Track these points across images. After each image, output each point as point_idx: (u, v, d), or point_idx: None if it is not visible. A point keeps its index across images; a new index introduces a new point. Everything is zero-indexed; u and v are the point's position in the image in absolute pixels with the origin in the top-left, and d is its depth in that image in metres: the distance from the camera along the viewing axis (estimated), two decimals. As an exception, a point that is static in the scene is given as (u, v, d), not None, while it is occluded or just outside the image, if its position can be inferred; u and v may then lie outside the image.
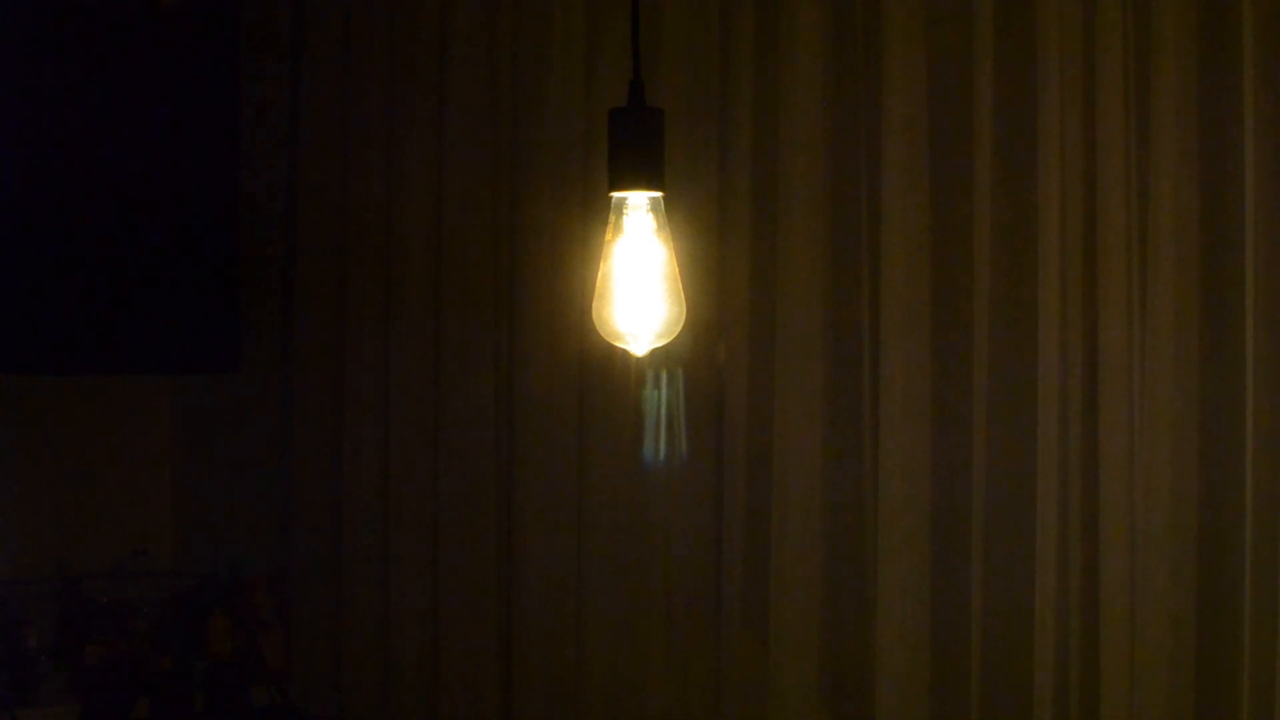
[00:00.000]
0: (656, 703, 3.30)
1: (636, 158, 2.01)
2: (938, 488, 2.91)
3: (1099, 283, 2.69)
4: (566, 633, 3.40)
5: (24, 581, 3.83)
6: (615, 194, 2.03)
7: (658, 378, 3.29)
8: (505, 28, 3.51)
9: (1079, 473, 2.72)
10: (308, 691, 3.89)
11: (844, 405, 3.04)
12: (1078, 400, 2.72)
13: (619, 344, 2.04)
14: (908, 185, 2.91)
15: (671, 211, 2.05)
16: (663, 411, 3.30)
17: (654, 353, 2.06)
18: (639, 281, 2.02)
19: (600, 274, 2.03)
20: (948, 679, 2.89)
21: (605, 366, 3.30)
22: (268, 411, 4.03)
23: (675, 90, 3.18)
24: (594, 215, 3.13)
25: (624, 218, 2.03)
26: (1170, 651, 2.61)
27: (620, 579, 3.34)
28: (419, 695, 3.65)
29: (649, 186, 2.02)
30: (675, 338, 2.05)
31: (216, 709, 3.81)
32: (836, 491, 3.05)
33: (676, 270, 2.03)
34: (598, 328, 2.04)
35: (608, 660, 3.36)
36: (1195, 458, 2.62)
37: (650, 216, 2.03)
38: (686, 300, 2.04)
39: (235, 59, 3.91)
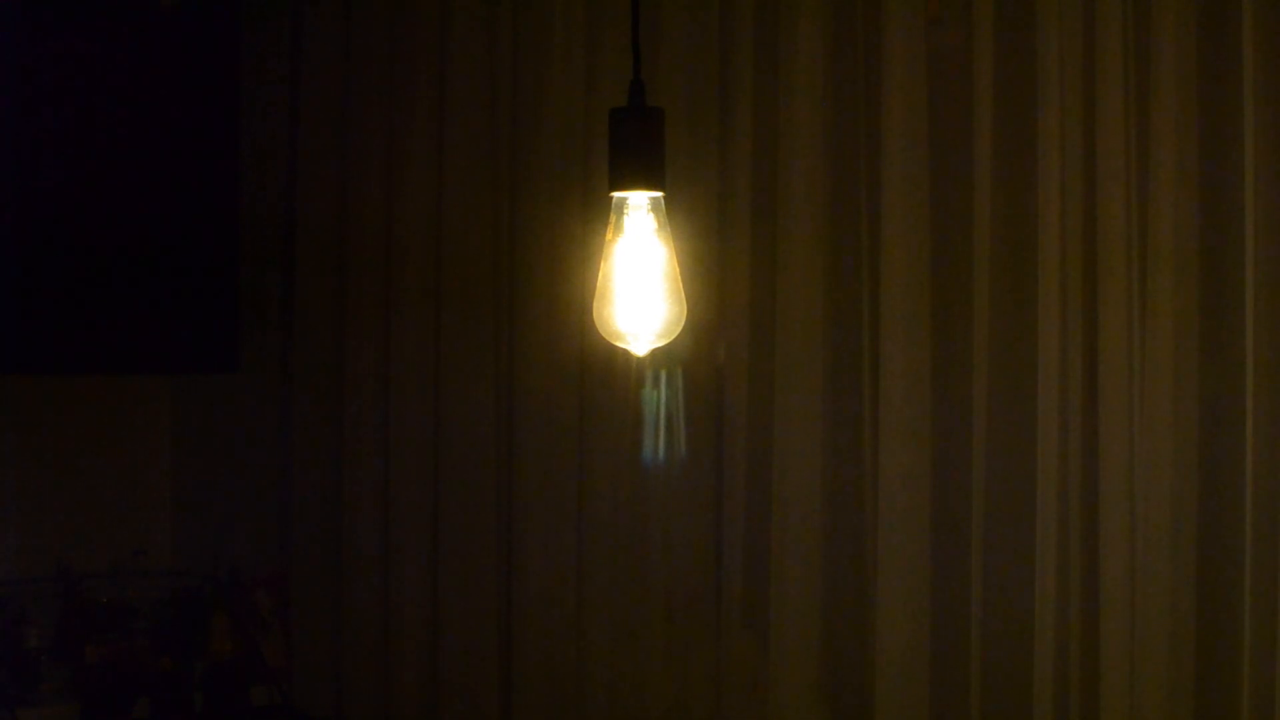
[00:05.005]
0: (656, 703, 3.30)
1: (636, 158, 2.01)
2: (938, 487, 2.91)
3: (1099, 283, 2.69)
4: (566, 633, 3.40)
5: (24, 581, 3.83)
6: (615, 194, 2.03)
7: (658, 378, 3.29)
8: (505, 28, 3.51)
9: (1079, 472, 2.72)
10: (308, 691, 3.89)
11: (844, 405, 3.05)
12: (1078, 399, 2.72)
13: (619, 344, 2.04)
14: (908, 185, 2.92)
15: (671, 211, 2.05)
16: (663, 411, 3.30)
17: (654, 353, 2.06)
18: (639, 281, 2.02)
19: (600, 274, 2.03)
20: (947, 679, 2.89)
21: (605, 366, 3.30)
22: (268, 411, 4.03)
23: (675, 90, 3.18)
24: (594, 215, 3.13)
25: (624, 218, 2.03)
26: (1170, 651, 2.61)
27: (620, 578, 3.34)
28: (419, 695, 3.65)
29: (649, 186, 2.02)
30: (675, 338, 2.05)
31: (216, 709, 3.81)
32: (836, 491, 3.05)
33: (677, 270, 2.03)
34: (598, 328, 2.04)
35: (608, 660, 3.36)
36: (1195, 457, 2.62)
37: (650, 216, 2.03)
38: (686, 300, 2.04)
39: (235, 59, 3.91)
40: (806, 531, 3.06)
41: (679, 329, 2.04)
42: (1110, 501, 2.67)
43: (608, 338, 2.04)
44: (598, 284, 2.03)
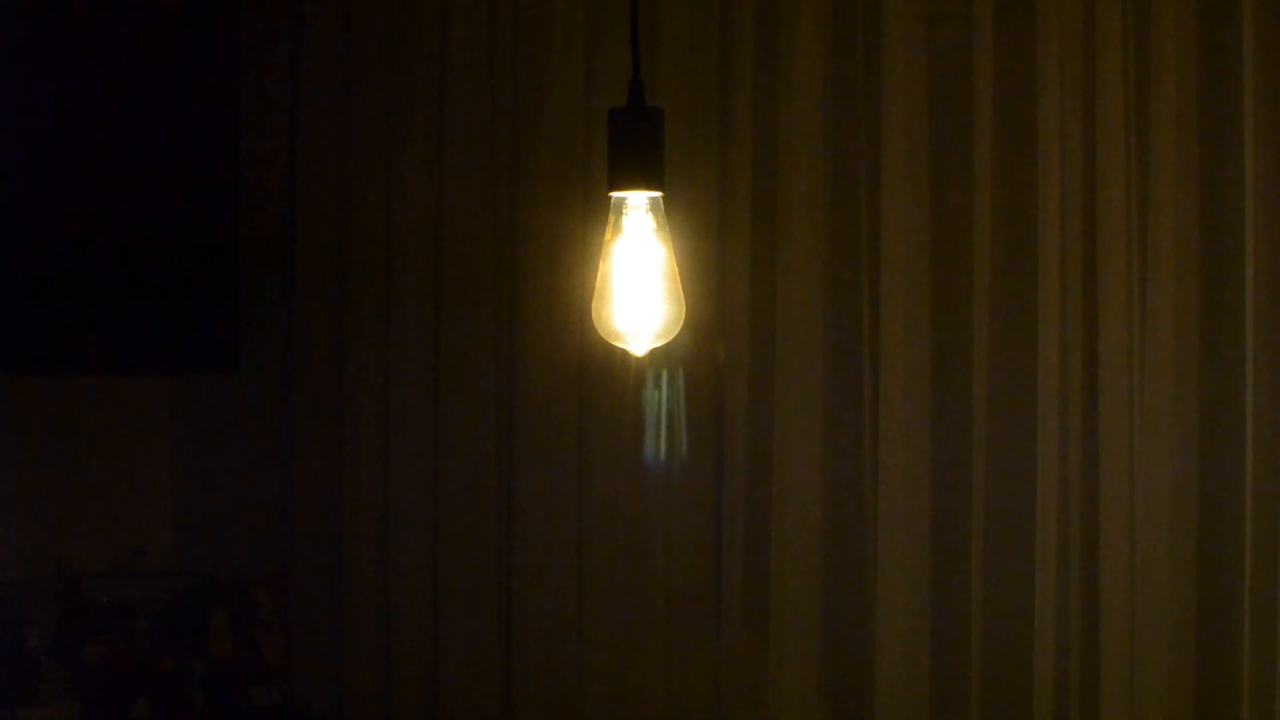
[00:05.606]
0: (656, 703, 3.30)
1: (636, 157, 2.01)
2: (938, 487, 2.91)
3: (1099, 282, 2.69)
4: (566, 633, 3.40)
5: (24, 581, 3.84)
6: (615, 194, 2.03)
7: (658, 378, 3.29)
8: (505, 27, 3.51)
9: (1079, 472, 2.72)
10: (308, 691, 3.89)
11: (844, 405, 3.04)
12: (1078, 400, 2.72)
13: (619, 344, 2.04)
14: (908, 185, 2.91)
15: (671, 211, 2.05)
16: (663, 411, 3.30)
17: (654, 353, 2.05)
18: (639, 281, 2.01)
19: (600, 274, 2.03)
20: (948, 679, 2.89)
21: (605, 366, 3.30)
22: (268, 411, 4.03)
23: (675, 90, 3.18)
24: (594, 215, 3.13)
25: (623, 217, 2.03)
26: (1170, 651, 2.61)
27: (620, 578, 3.34)
28: (419, 695, 3.65)
29: (648, 186, 2.02)
30: (675, 338, 2.04)
31: (216, 709, 3.81)
32: (836, 491, 3.05)
33: (676, 270, 2.03)
34: (597, 328, 2.04)
35: (608, 660, 3.36)
36: (1195, 456, 2.62)
37: (650, 216, 2.03)
38: (686, 300, 2.04)
39: (235, 59, 3.91)
40: (806, 531, 3.06)
41: (678, 329, 2.04)
42: (1110, 501, 2.67)
43: (607, 338, 2.04)
44: (597, 284, 2.03)
